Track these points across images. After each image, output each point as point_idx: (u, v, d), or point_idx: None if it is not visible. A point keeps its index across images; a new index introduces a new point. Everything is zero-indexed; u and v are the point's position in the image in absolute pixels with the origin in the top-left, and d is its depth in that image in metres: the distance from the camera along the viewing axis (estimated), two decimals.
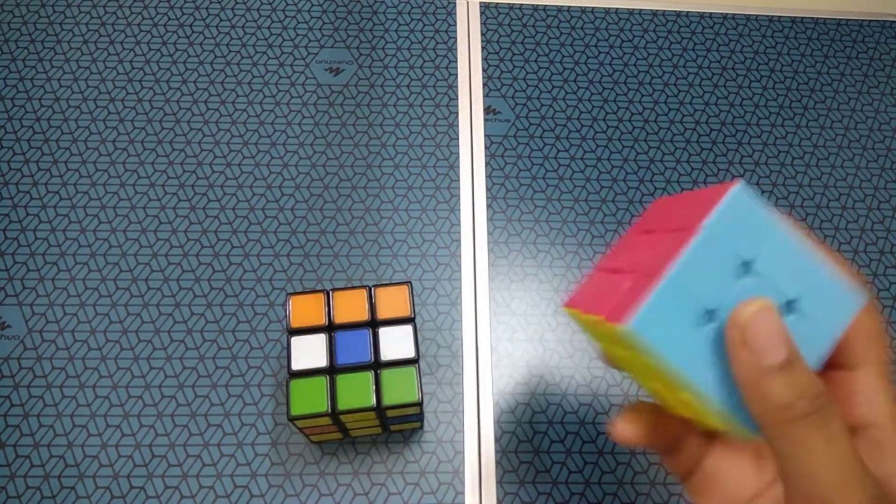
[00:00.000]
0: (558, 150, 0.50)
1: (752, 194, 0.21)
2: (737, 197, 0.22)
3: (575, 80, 0.53)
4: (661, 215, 0.27)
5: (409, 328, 0.36)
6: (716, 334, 0.21)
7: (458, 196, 0.48)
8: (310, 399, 0.34)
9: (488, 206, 0.48)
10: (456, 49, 0.53)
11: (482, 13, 0.55)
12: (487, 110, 0.51)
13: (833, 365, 0.24)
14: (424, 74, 0.52)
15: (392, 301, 0.36)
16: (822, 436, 0.20)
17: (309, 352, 0.35)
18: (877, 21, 0.57)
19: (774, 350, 0.20)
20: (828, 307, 0.22)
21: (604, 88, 0.53)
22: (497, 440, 0.41)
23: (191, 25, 0.53)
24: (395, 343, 0.35)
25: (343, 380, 0.34)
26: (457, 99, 0.51)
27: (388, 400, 0.34)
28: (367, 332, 0.35)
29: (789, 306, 0.22)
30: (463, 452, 0.40)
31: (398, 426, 0.39)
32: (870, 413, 0.22)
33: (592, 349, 0.44)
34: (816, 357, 0.22)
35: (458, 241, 0.46)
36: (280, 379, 0.41)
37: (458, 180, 0.48)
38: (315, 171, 0.48)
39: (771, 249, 0.22)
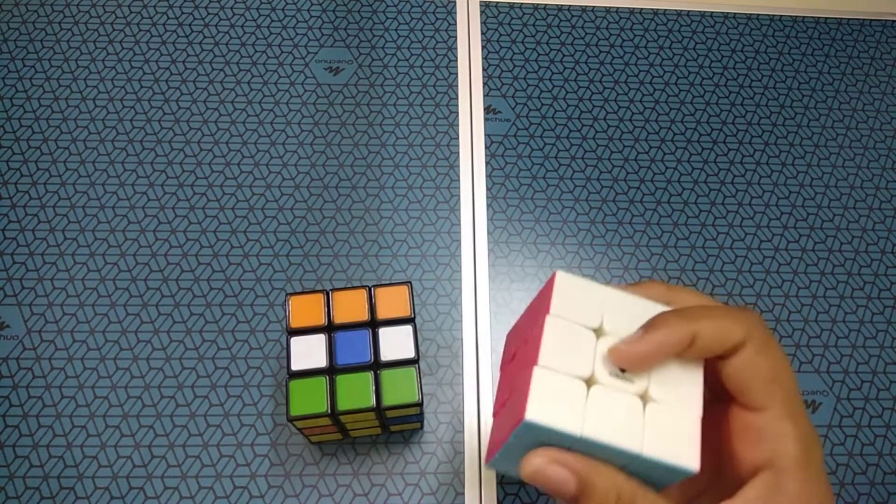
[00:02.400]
0: (558, 150, 0.50)
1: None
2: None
3: (575, 80, 0.53)
4: (514, 340, 0.29)
5: (409, 328, 0.35)
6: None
7: (458, 196, 0.48)
8: (309, 399, 0.34)
9: (488, 206, 0.48)
10: (456, 49, 0.53)
11: (482, 12, 0.55)
12: (487, 110, 0.51)
13: (741, 405, 0.24)
14: (424, 74, 0.52)
15: (392, 301, 0.36)
16: None
17: (309, 352, 0.35)
18: (878, 21, 0.57)
19: (565, 491, 0.23)
20: None
21: (604, 88, 0.53)
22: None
23: (190, 25, 0.53)
24: (395, 343, 0.35)
25: (343, 380, 0.34)
26: (457, 99, 0.51)
27: (388, 400, 0.34)
28: (367, 333, 0.35)
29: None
30: (463, 453, 0.40)
31: (398, 427, 0.39)
32: (773, 455, 0.23)
33: None
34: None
35: (458, 241, 0.46)
36: (280, 379, 0.41)
37: (458, 180, 0.48)
38: (315, 171, 0.48)
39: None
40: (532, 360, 0.24)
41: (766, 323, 0.26)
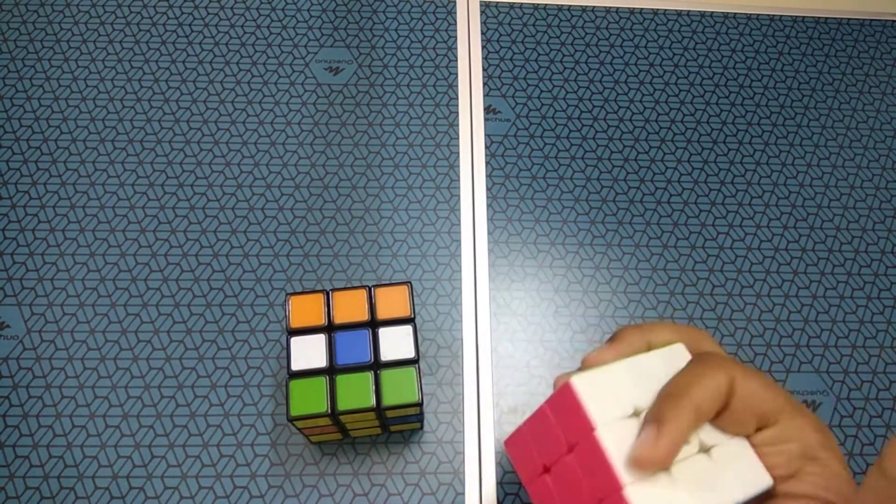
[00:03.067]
0: (558, 150, 0.50)
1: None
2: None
3: (575, 80, 0.53)
4: (532, 449, 0.28)
5: (409, 328, 0.35)
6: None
7: (458, 196, 0.48)
8: (310, 399, 0.34)
9: (488, 206, 0.48)
10: (456, 49, 0.53)
11: (482, 12, 0.55)
12: (487, 110, 0.51)
13: (756, 430, 0.25)
14: (424, 74, 0.52)
15: (392, 301, 0.36)
16: None
17: (309, 352, 0.35)
18: (878, 21, 0.57)
19: None
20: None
21: (604, 88, 0.53)
22: (497, 440, 0.41)
23: (190, 25, 0.53)
24: (395, 343, 0.35)
25: (343, 380, 0.34)
26: (457, 99, 0.51)
27: (388, 400, 0.34)
28: (367, 333, 0.35)
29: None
30: (463, 453, 0.40)
31: (398, 427, 0.39)
32: (805, 450, 0.24)
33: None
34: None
35: (458, 241, 0.46)
36: (280, 379, 0.41)
37: (458, 180, 0.48)
38: (315, 171, 0.48)
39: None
40: (613, 485, 0.23)
41: (717, 343, 0.26)
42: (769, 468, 0.25)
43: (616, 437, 0.24)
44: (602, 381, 0.25)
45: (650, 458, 0.23)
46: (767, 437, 0.25)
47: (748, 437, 0.25)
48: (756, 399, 0.24)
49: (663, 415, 0.24)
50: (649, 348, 0.26)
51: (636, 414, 0.25)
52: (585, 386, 0.25)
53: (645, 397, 0.25)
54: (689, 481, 0.24)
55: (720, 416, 0.25)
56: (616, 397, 0.25)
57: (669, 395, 0.24)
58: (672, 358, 0.27)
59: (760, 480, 0.24)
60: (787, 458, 0.24)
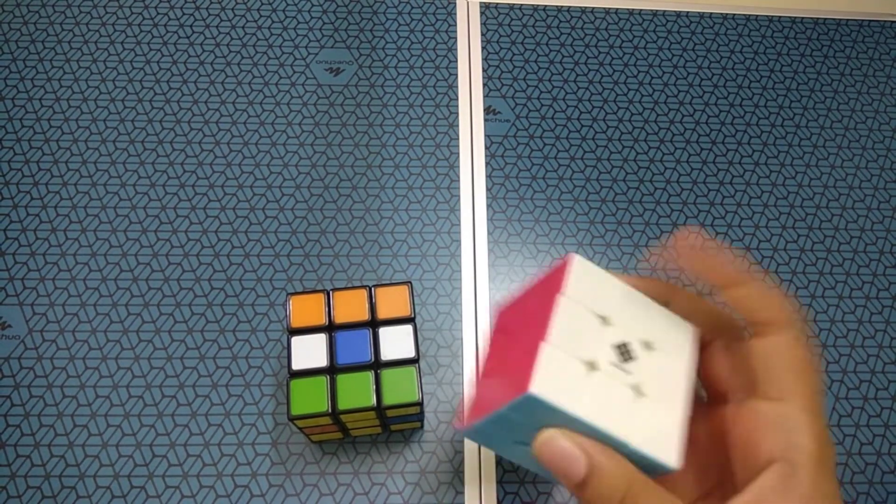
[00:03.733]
0: (558, 150, 0.50)
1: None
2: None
3: (575, 80, 0.53)
4: (511, 314, 0.30)
5: (409, 328, 0.36)
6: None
7: (458, 196, 0.48)
8: (310, 399, 0.34)
9: (488, 206, 0.48)
10: (456, 49, 0.53)
11: (482, 13, 0.55)
12: (487, 110, 0.51)
13: (762, 395, 0.25)
14: (424, 74, 0.52)
15: (392, 301, 0.36)
16: None
17: (309, 352, 0.35)
18: (877, 21, 0.57)
19: (573, 470, 0.23)
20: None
21: (604, 88, 0.53)
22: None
23: (191, 25, 0.53)
24: (395, 343, 0.35)
25: (343, 380, 0.34)
26: (457, 99, 0.51)
27: (388, 400, 0.34)
28: (368, 332, 0.35)
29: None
30: (463, 452, 0.40)
31: (398, 426, 0.39)
32: (788, 448, 0.23)
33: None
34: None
35: (458, 241, 0.46)
36: (280, 379, 0.41)
37: (458, 180, 0.49)
38: (315, 171, 0.48)
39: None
40: (540, 336, 0.24)
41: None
42: (754, 444, 0.24)
43: (573, 313, 0.25)
44: (597, 276, 0.26)
45: (683, 238, 0.25)
46: (763, 411, 0.24)
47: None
48: (784, 364, 0.24)
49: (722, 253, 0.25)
50: (743, 285, 0.25)
51: (603, 320, 0.25)
52: (581, 267, 0.26)
53: (622, 318, 0.26)
54: (599, 391, 0.24)
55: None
56: (597, 294, 0.26)
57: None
58: (673, 329, 0.27)
59: (666, 454, 0.24)
60: (769, 445, 0.24)
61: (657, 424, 0.24)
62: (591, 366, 0.24)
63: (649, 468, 0.24)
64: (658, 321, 0.27)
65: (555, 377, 0.23)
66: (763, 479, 0.23)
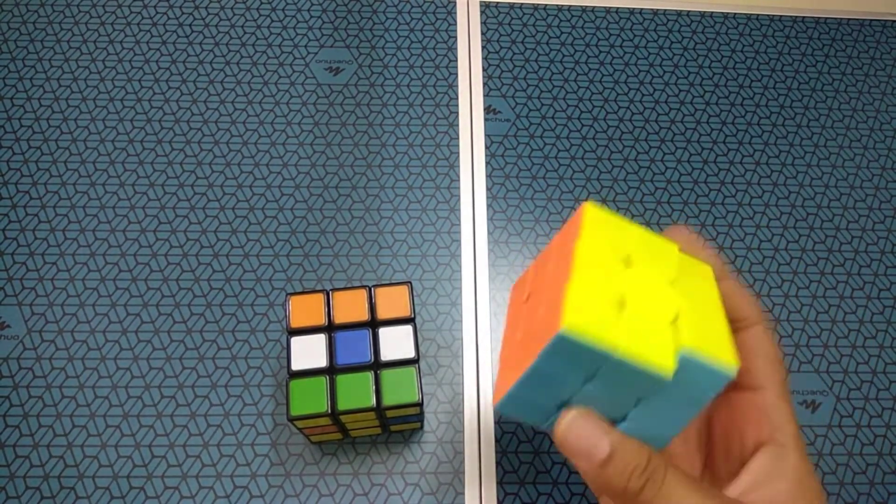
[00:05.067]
0: (558, 150, 0.50)
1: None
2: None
3: (575, 80, 0.53)
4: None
5: (409, 328, 0.36)
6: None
7: (458, 196, 0.48)
8: (310, 399, 0.34)
9: (488, 206, 0.48)
10: (456, 49, 0.53)
11: (482, 13, 0.55)
12: (487, 110, 0.51)
13: (741, 386, 0.26)
14: (424, 74, 0.52)
15: (392, 301, 0.36)
16: (660, 495, 0.23)
17: (309, 352, 0.35)
18: (878, 21, 0.57)
19: (596, 449, 0.23)
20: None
21: (604, 88, 0.53)
22: (497, 440, 0.41)
23: (191, 25, 0.53)
24: (395, 343, 0.35)
25: (343, 380, 0.34)
26: (457, 99, 0.51)
27: (388, 400, 0.34)
28: (367, 333, 0.35)
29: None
30: (463, 453, 0.40)
31: (398, 426, 0.39)
32: (774, 431, 0.25)
33: None
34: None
35: (458, 241, 0.46)
36: (280, 379, 0.41)
37: (458, 180, 0.48)
38: (315, 171, 0.48)
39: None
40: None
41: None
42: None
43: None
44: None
45: (676, 228, 0.26)
46: (748, 401, 0.26)
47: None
48: (760, 355, 0.26)
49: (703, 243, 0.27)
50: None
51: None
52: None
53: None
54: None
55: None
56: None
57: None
58: (693, 267, 0.27)
59: (723, 362, 0.23)
60: (757, 430, 0.25)
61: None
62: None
63: (702, 387, 0.23)
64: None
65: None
66: (756, 462, 0.25)
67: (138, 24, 0.53)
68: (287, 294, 0.37)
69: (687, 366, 0.23)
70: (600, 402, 0.24)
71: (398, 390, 0.34)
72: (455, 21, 0.55)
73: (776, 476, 0.24)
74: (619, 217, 0.26)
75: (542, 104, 0.52)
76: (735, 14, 0.57)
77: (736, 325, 0.27)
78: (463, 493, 0.39)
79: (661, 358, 0.22)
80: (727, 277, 0.27)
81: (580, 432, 0.23)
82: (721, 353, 0.23)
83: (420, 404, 0.34)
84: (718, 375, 0.23)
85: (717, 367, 0.23)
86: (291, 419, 0.33)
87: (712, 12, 0.57)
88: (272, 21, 0.53)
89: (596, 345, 0.22)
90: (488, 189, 0.48)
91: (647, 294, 0.24)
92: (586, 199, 0.48)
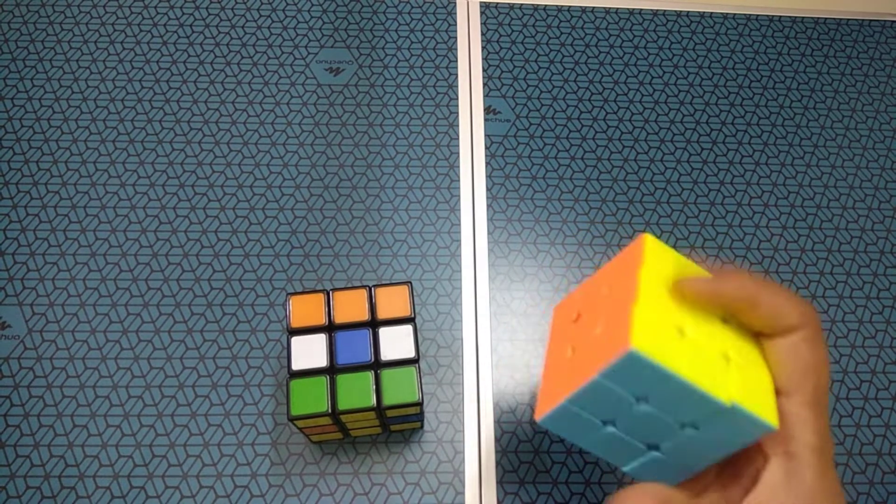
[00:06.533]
0: (558, 150, 0.50)
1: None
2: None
3: (575, 80, 0.53)
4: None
5: (409, 328, 0.36)
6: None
7: (458, 196, 0.48)
8: (310, 399, 0.34)
9: (488, 206, 0.48)
10: (456, 49, 0.53)
11: (482, 13, 0.55)
12: (487, 110, 0.51)
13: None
14: (424, 74, 0.52)
15: (392, 301, 0.36)
16: None
17: (309, 352, 0.35)
18: (877, 21, 0.57)
19: None
20: (729, 429, 0.25)
21: (604, 88, 0.53)
22: (497, 440, 0.41)
23: (191, 25, 0.53)
24: (395, 343, 0.35)
25: (343, 380, 0.34)
26: (457, 99, 0.51)
27: (388, 400, 0.34)
28: (367, 332, 0.35)
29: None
30: (463, 452, 0.40)
31: (398, 426, 0.39)
32: (790, 441, 0.24)
33: None
34: (708, 460, 0.25)
35: (458, 241, 0.46)
36: (280, 379, 0.41)
37: (458, 180, 0.48)
38: (315, 171, 0.48)
39: (663, 390, 0.24)
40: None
41: (819, 320, 0.27)
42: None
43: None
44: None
45: (689, 282, 0.25)
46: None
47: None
48: (792, 362, 0.25)
49: (730, 275, 0.25)
50: (754, 307, 0.25)
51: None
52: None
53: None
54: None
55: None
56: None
57: (750, 276, 0.26)
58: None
59: (767, 415, 0.24)
60: (773, 438, 0.24)
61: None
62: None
63: (742, 434, 0.24)
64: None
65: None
66: (767, 475, 0.24)
67: (138, 24, 0.53)
68: (287, 294, 0.37)
69: (733, 410, 0.23)
70: (643, 426, 0.25)
71: (398, 390, 0.34)
72: (455, 21, 0.55)
73: (785, 491, 0.23)
74: (676, 251, 0.27)
75: (542, 104, 0.52)
76: (735, 14, 0.57)
77: (772, 333, 0.26)
78: (463, 493, 0.39)
79: (718, 387, 0.23)
80: (758, 299, 0.25)
81: None
82: (763, 404, 0.24)
83: (420, 404, 0.34)
84: (760, 425, 0.24)
85: (761, 419, 0.24)
86: (292, 419, 0.33)
87: (712, 12, 0.57)
88: (272, 21, 0.54)
89: (662, 365, 0.22)
90: (488, 189, 0.48)
91: (702, 327, 0.25)
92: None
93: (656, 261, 0.26)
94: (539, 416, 0.26)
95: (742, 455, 0.26)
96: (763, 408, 0.24)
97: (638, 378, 0.23)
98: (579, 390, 0.24)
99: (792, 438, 0.24)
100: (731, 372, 0.24)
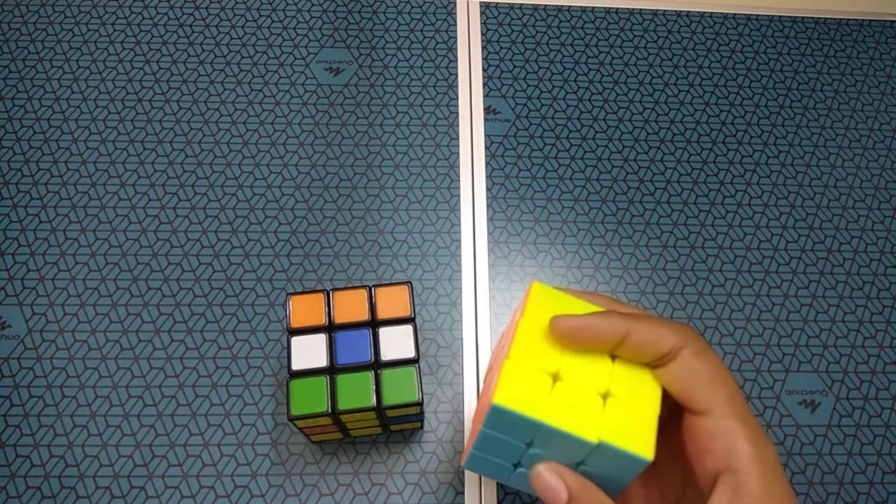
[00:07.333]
0: (558, 150, 0.50)
1: (509, 409, 0.25)
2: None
3: (575, 80, 0.53)
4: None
5: (409, 328, 0.36)
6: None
7: (458, 196, 0.48)
8: (310, 399, 0.34)
9: (488, 206, 0.48)
10: (456, 49, 0.53)
11: (482, 13, 0.55)
12: (487, 110, 0.51)
13: (690, 413, 0.25)
14: (424, 74, 0.52)
15: (392, 301, 0.36)
16: None
17: (309, 352, 0.35)
18: (877, 21, 0.57)
19: (557, 496, 0.26)
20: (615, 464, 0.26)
21: (604, 88, 0.53)
22: None
23: (191, 25, 0.53)
24: (395, 343, 0.35)
25: (343, 380, 0.34)
26: (457, 99, 0.51)
27: (388, 400, 0.34)
28: (368, 332, 0.35)
29: (578, 465, 0.27)
30: (463, 452, 0.40)
31: (398, 426, 0.39)
32: (727, 457, 0.24)
33: None
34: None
35: (458, 241, 0.46)
36: (280, 379, 0.41)
37: (458, 180, 0.48)
38: (315, 171, 0.48)
39: (539, 435, 0.26)
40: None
41: (701, 335, 0.27)
42: (701, 452, 0.25)
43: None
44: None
45: (560, 321, 0.26)
46: (696, 427, 0.25)
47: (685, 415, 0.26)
48: (693, 380, 0.25)
49: (602, 313, 0.26)
50: (625, 339, 0.26)
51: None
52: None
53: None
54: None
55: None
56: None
57: (620, 312, 0.26)
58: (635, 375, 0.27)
59: (639, 448, 0.25)
60: (711, 458, 0.24)
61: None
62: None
63: (623, 469, 0.25)
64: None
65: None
66: (715, 497, 0.24)
67: (138, 24, 0.53)
68: (287, 294, 0.37)
69: (600, 448, 0.25)
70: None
71: (398, 390, 0.34)
72: (455, 21, 0.55)
73: None
74: (567, 293, 0.29)
75: (542, 104, 0.52)
76: (735, 14, 0.57)
77: (661, 361, 0.25)
78: (463, 493, 0.39)
79: (585, 427, 0.25)
80: (629, 330, 0.25)
81: (545, 482, 0.26)
82: (642, 436, 0.25)
83: (420, 404, 0.34)
84: (632, 459, 0.25)
85: (631, 452, 0.25)
86: (292, 419, 0.33)
87: (712, 13, 0.57)
88: (272, 21, 0.54)
89: (526, 415, 0.25)
90: (488, 189, 0.48)
91: (582, 368, 0.26)
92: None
93: (538, 309, 0.28)
94: (462, 463, 0.29)
95: (703, 475, 0.26)
96: (639, 441, 0.25)
97: (513, 427, 0.26)
98: (475, 441, 0.27)
99: (728, 454, 0.23)
100: (606, 410, 0.25)
